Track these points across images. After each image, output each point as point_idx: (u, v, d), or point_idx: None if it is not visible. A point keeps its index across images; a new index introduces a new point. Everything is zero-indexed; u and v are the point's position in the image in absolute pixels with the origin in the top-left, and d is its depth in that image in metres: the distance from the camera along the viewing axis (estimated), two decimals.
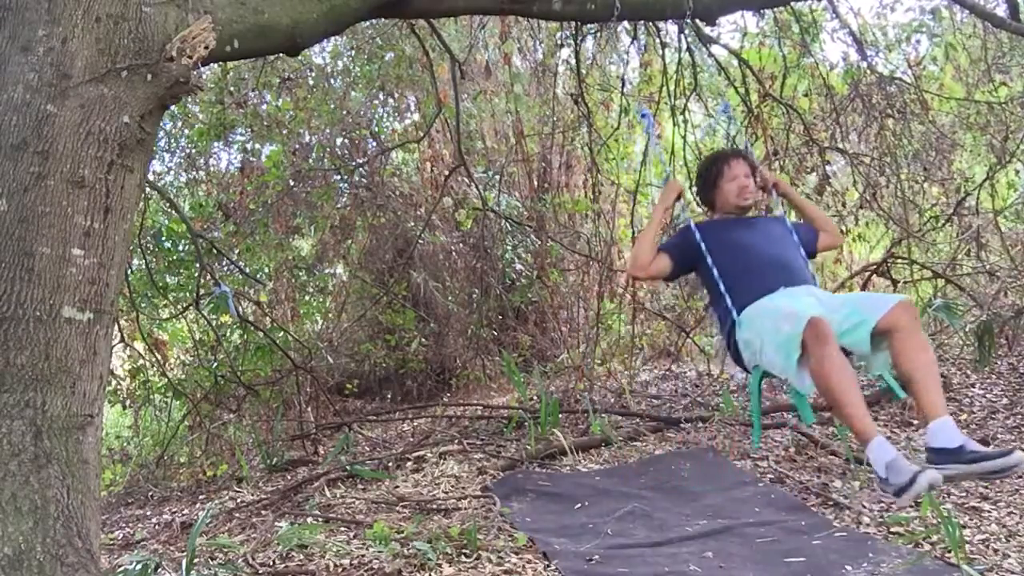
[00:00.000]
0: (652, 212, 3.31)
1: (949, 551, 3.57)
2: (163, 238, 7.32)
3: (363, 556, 3.85)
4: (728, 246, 3.09)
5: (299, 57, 5.94)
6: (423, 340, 8.73)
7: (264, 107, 7.70)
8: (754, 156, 3.40)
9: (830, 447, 5.31)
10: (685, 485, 4.90)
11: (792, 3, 5.64)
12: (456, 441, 6.16)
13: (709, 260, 3.07)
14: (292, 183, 7.78)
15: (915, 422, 5.75)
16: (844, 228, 7.97)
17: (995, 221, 7.49)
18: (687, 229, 3.20)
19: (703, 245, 3.09)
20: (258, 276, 7.85)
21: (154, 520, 5.52)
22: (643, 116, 3.70)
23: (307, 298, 8.98)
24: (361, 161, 8.42)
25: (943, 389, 6.16)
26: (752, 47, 7.24)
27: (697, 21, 5.08)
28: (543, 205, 8.99)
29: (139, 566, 3.72)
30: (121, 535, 5.16)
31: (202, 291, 6.54)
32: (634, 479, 4.96)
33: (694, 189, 3.47)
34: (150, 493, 6.54)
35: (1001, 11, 5.31)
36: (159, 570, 3.81)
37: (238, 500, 5.52)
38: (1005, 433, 5.42)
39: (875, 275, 8.05)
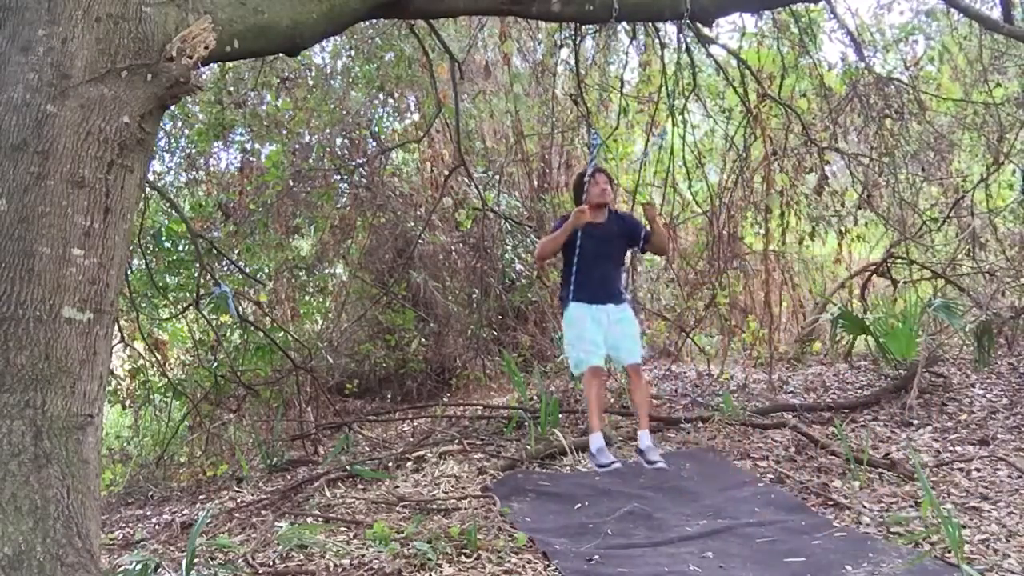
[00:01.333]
0: (565, 227, 4.60)
1: (949, 551, 3.56)
2: (163, 238, 7.31)
3: (363, 556, 3.85)
4: (586, 251, 4.58)
5: (299, 57, 5.95)
6: (423, 340, 8.73)
7: (264, 107, 7.70)
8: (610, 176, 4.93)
9: (830, 447, 5.31)
10: (685, 485, 4.91)
11: (790, 5, 5.64)
12: (456, 441, 6.16)
13: (577, 253, 4.58)
14: (292, 183, 7.78)
15: (915, 422, 5.77)
16: (844, 228, 7.99)
17: (991, 222, 7.50)
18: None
19: (579, 240, 4.57)
20: (258, 276, 7.85)
21: (154, 520, 5.52)
22: (593, 142, 5.21)
23: (307, 298, 8.98)
24: (361, 161, 8.41)
25: (942, 390, 6.26)
26: (751, 47, 7.23)
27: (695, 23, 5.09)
28: (543, 205, 8.99)
29: (139, 566, 3.72)
30: (121, 535, 5.17)
31: (202, 291, 6.53)
32: (634, 479, 4.96)
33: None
34: (150, 493, 6.54)
35: (996, 13, 5.31)
36: (159, 570, 3.81)
37: (238, 500, 5.52)
38: (1005, 433, 5.41)
39: (875, 275, 8.06)
